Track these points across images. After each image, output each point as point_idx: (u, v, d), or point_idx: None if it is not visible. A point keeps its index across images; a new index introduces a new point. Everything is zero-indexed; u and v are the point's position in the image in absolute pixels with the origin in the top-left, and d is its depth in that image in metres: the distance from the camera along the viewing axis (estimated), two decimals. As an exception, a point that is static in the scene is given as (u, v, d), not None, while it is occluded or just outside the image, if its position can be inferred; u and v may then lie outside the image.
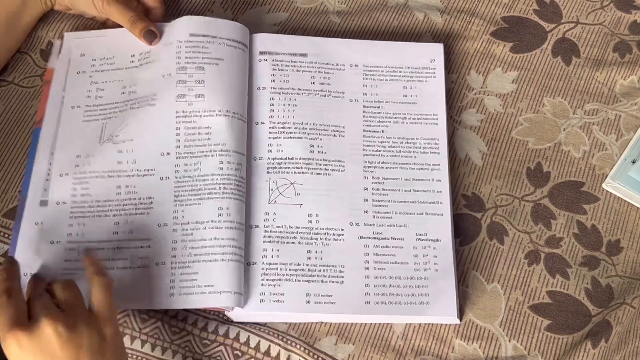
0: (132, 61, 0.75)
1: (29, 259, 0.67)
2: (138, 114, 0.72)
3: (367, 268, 0.69)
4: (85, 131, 0.72)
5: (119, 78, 0.75)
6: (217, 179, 0.69)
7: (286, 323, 0.68)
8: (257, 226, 0.70)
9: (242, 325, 0.68)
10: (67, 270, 0.67)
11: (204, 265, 0.66)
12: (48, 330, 0.56)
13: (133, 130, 0.71)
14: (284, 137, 0.74)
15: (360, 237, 0.70)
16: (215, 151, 0.70)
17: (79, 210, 0.69)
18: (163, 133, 0.71)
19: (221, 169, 0.69)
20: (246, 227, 0.69)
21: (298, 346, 0.67)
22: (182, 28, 0.75)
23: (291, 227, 0.70)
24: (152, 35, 0.74)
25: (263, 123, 0.74)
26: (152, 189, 0.69)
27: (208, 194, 0.69)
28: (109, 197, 0.69)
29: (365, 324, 0.69)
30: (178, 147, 0.71)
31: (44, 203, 0.69)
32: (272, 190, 0.71)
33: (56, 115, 0.73)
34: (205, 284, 0.65)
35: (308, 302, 0.67)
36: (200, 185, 0.69)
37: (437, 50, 0.79)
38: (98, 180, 0.70)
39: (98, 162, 0.70)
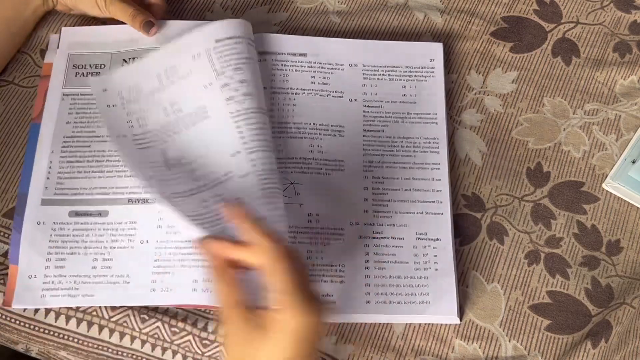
0: (160, 81, 0.72)
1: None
2: (196, 132, 0.70)
3: (367, 268, 0.69)
4: (146, 156, 0.70)
5: (154, 102, 0.71)
6: (277, 177, 0.69)
7: (286, 323, 0.68)
8: (257, 226, 0.70)
9: (242, 325, 0.68)
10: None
11: None
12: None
13: (199, 148, 0.69)
14: (283, 137, 0.74)
15: (360, 237, 0.70)
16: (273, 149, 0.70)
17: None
18: (227, 137, 0.69)
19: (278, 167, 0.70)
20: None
21: (298, 346, 0.67)
22: (204, 37, 0.72)
23: (291, 227, 0.70)
24: (149, 25, 0.75)
25: (263, 123, 0.74)
26: (237, 190, 0.67)
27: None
28: (199, 212, 0.66)
29: (365, 323, 0.69)
30: (245, 143, 0.69)
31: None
32: (272, 190, 0.71)
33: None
34: None
35: (308, 301, 0.67)
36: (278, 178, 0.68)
37: (436, 49, 0.79)
38: (180, 199, 0.67)
39: (176, 186, 0.68)
